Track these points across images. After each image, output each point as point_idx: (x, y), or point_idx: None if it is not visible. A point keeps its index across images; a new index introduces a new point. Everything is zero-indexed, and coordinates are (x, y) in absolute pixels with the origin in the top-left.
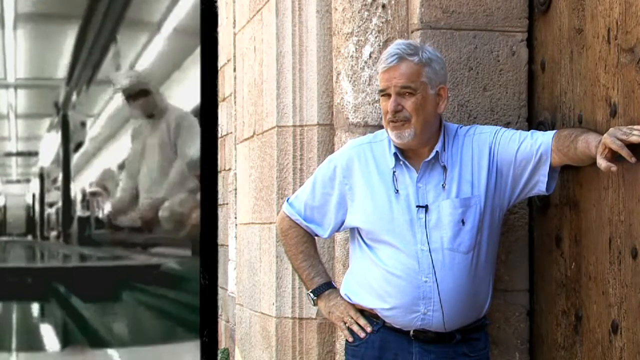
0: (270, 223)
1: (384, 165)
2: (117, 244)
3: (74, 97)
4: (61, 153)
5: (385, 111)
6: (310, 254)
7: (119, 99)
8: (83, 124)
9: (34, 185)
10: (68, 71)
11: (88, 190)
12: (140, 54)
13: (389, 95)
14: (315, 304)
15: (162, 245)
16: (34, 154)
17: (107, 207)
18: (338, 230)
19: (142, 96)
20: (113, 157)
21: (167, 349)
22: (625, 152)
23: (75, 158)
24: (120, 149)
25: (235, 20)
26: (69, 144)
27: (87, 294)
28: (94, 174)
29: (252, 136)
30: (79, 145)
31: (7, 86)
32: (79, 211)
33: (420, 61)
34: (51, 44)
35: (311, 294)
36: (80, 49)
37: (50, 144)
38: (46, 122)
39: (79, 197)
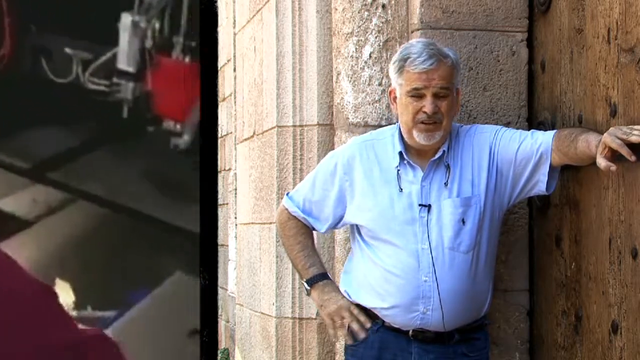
0: (270, 223)
1: (386, 163)
2: None
3: None
4: None
5: (414, 111)
6: (307, 244)
7: None
8: None
9: None
10: None
11: None
12: None
13: (420, 97)
14: (308, 294)
15: None
16: None
17: None
18: (336, 226)
19: None
20: None
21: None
22: (625, 151)
23: None
24: None
25: (235, 20)
26: None
27: None
28: None
29: (252, 136)
30: None
31: None
32: None
33: (453, 64)
34: None
35: (305, 283)
36: None
37: None
38: None
39: None
